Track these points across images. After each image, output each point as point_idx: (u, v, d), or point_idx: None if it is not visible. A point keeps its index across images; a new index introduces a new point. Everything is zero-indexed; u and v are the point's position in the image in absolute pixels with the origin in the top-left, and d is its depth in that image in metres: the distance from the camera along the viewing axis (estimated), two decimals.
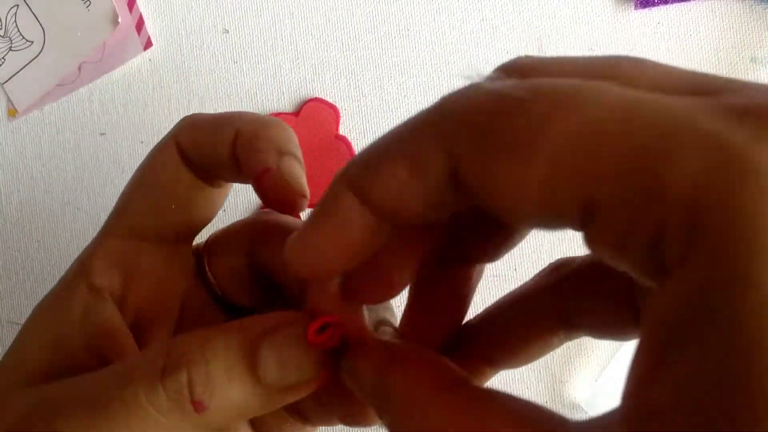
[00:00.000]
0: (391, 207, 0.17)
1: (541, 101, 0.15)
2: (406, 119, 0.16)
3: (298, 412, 0.26)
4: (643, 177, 0.13)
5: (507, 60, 0.19)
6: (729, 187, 0.12)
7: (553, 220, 0.15)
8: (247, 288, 0.28)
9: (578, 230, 0.15)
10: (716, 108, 0.13)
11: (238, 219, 0.30)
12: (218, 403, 0.20)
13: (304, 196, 0.25)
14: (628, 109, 0.14)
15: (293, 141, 0.25)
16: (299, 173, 0.24)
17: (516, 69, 0.17)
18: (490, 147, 0.15)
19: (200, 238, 0.28)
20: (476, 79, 0.17)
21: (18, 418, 0.21)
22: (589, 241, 0.15)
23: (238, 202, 0.42)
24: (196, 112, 0.42)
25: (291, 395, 0.21)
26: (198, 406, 0.20)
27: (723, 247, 0.12)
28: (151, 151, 0.26)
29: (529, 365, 0.41)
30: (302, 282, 0.24)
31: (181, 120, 0.26)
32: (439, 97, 0.16)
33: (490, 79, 0.17)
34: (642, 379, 0.13)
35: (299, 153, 0.25)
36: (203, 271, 0.28)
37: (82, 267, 0.25)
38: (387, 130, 0.17)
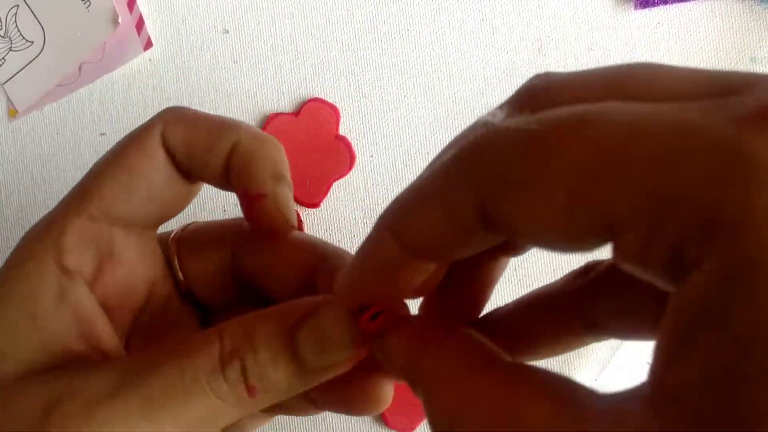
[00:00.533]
0: (426, 248, 0.18)
1: (550, 133, 0.15)
2: (437, 164, 0.18)
3: (309, 398, 0.27)
4: (654, 193, 0.14)
5: (523, 77, 0.19)
6: (737, 187, 0.13)
7: (579, 244, 0.16)
8: (220, 288, 0.28)
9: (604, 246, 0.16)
10: (723, 112, 0.14)
11: (220, 211, 0.30)
12: (267, 387, 0.22)
13: (292, 227, 0.26)
14: (633, 127, 0.14)
15: (286, 162, 0.26)
16: (290, 201, 0.26)
17: (531, 94, 0.18)
18: (510, 184, 0.16)
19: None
20: (491, 118, 0.18)
21: (43, 407, 0.21)
22: (614, 255, 0.15)
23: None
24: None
25: (330, 373, 0.23)
26: (251, 390, 0.22)
27: (738, 240, 0.13)
28: (131, 135, 0.26)
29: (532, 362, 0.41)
30: (288, 290, 0.26)
31: (166, 111, 0.26)
32: (463, 141, 0.17)
33: (507, 111, 0.18)
34: (665, 361, 0.14)
35: (289, 175, 0.26)
36: (171, 265, 0.28)
37: (51, 244, 0.24)
38: (421, 172, 0.19)
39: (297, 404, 0.27)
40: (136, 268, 0.26)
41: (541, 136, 0.15)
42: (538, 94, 0.18)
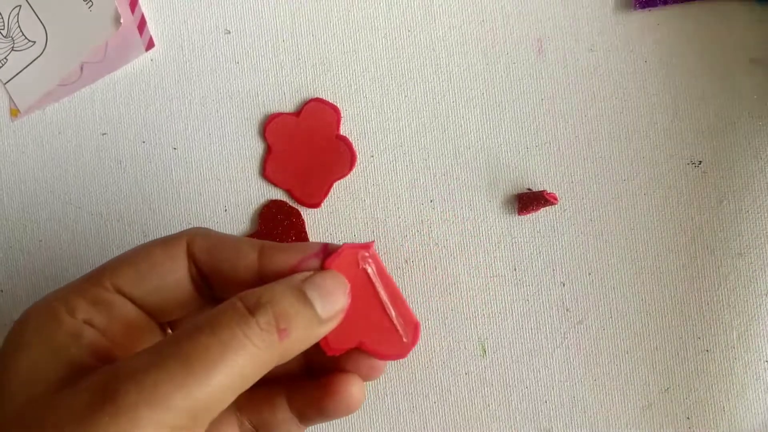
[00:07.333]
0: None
1: None
2: None
3: (296, 413, 0.32)
4: None
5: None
6: None
7: None
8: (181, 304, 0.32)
9: None
10: None
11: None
12: (294, 330, 0.26)
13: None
14: None
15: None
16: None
17: None
18: None
19: None
20: None
21: (95, 392, 0.23)
22: None
23: (239, 200, 0.42)
24: (198, 112, 0.42)
25: (334, 322, 0.29)
26: (282, 333, 0.26)
27: None
28: (162, 238, 0.30)
29: (532, 362, 0.41)
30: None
31: (192, 228, 0.31)
32: None
33: None
34: None
35: None
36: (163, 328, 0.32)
37: (64, 301, 0.28)
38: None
39: (283, 422, 0.31)
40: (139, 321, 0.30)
41: None
42: None
